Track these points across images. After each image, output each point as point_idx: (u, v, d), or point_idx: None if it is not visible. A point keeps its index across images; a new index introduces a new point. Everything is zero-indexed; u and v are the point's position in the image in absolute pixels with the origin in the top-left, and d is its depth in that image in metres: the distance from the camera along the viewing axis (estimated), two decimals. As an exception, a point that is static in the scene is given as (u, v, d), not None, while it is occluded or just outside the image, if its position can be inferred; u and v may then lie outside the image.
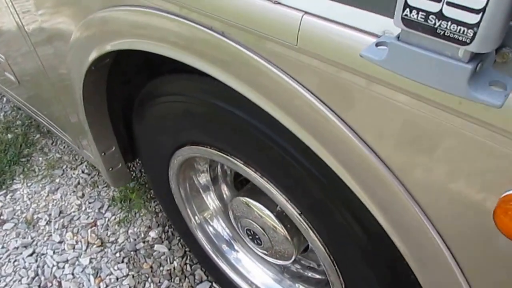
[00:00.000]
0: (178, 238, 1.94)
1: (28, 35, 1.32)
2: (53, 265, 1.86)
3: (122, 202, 2.11)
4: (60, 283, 1.80)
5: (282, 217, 1.27)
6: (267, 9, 0.60)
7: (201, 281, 1.80)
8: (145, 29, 0.89)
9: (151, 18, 0.85)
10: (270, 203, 1.28)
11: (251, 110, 0.93)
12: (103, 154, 1.54)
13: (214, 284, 1.78)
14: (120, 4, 0.90)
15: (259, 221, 1.32)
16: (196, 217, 1.50)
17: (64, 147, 2.43)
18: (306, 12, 0.56)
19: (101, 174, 2.06)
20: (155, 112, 1.27)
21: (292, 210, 1.07)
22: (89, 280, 1.80)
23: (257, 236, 1.36)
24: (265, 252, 1.38)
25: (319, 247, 1.07)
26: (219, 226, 1.53)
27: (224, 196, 1.54)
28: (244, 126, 0.97)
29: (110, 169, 1.60)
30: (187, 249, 1.90)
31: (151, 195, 2.14)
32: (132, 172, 2.25)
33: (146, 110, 1.30)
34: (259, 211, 1.30)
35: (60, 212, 2.08)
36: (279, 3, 0.58)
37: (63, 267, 1.85)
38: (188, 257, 1.87)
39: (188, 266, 1.85)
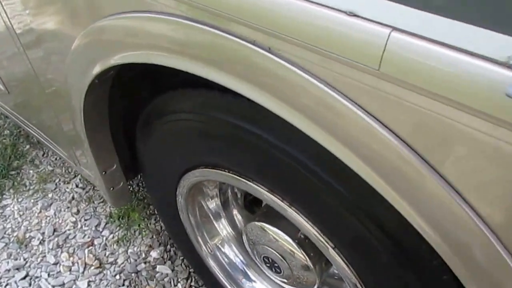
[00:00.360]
0: (182, 258, 1.81)
1: (19, 37, 1.18)
2: (48, 290, 1.71)
3: (120, 219, 1.96)
4: (55, 310, 1.65)
5: (305, 244, 1.15)
6: (338, 22, 0.47)
7: (208, 305, 1.66)
8: (167, 41, 0.76)
9: (175, 28, 0.71)
10: (290, 228, 1.16)
11: (290, 138, 0.81)
12: (104, 173, 1.39)
13: (221, 308, 1.65)
14: (138, 10, 0.76)
15: (278, 248, 1.19)
16: (208, 244, 1.37)
17: (56, 158, 2.27)
18: (394, 28, 0.44)
19: (100, 192, 1.91)
20: (164, 130, 1.13)
21: (324, 243, 0.94)
22: (87, 306, 1.66)
23: (275, 264, 1.24)
24: (285, 281, 1.26)
25: (352, 280, 0.95)
26: (231, 253, 1.40)
27: (237, 221, 1.41)
28: (278, 154, 0.84)
29: (111, 188, 1.45)
30: (191, 270, 1.76)
31: (151, 211, 1.99)
32: (129, 186, 2.10)
33: (154, 128, 1.16)
34: (278, 237, 1.18)
35: (54, 230, 1.93)
36: (355, 15, 0.45)
37: (59, 292, 1.70)
38: (193, 279, 1.74)
39: (193, 288, 1.71)
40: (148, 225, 1.94)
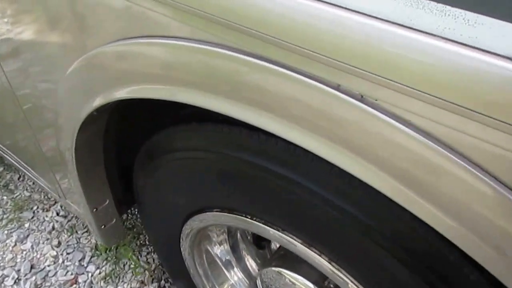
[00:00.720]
0: (178, 295, 1.62)
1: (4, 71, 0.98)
2: None
3: (108, 251, 1.75)
4: None
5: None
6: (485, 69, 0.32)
7: None
8: (191, 74, 0.59)
9: (202, 58, 0.54)
10: (314, 275, 1.00)
11: (331, 184, 0.66)
12: (94, 210, 1.20)
13: None
14: (156, 35, 0.59)
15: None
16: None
17: (33, 183, 2.04)
18: None
19: (91, 231, 1.71)
20: (172, 168, 0.96)
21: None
22: None
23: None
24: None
25: None
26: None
27: (249, 267, 1.24)
28: (316, 202, 0.68)
29: (103, 226, 1.26)
30: (189, 310, 1.57)
31: (142, 242, 1.80)
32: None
33: (159, 164, 0.98)
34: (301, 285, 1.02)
35: (32, 267, 1.70)
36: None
37: None
38: (192, 320, 1.55)
39: (192, 331, 1.52)
40: (139, 257, 1.74)
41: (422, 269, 0.65)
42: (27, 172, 1.51)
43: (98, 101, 0.76)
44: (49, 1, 0.74)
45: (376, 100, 0.42)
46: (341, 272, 0.79)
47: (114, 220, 1.29)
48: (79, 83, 0.79)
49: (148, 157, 1.01)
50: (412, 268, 0.66)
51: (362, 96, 0.43)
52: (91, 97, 0.78)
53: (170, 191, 1.02)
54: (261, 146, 0.74)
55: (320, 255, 0.80)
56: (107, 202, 1.22)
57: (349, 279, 0.78)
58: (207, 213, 0.98)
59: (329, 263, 0.80)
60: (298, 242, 0.82)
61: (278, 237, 0.85)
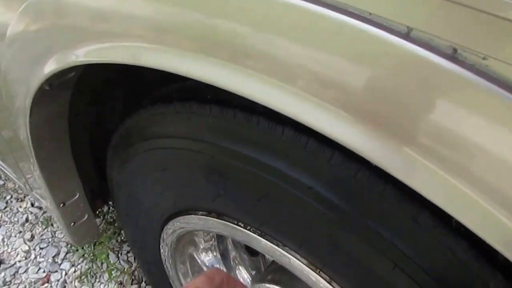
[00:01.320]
0: (160, 299, 1.42)
1: None
2: None
3: (85, 247, 1.55)
4: None
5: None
6: None
7: None
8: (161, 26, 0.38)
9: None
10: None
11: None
12: (61, 205, 1.00)
13: None
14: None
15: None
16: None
17: (9, 170, 1.83)
18: None
19: (60, 229, 1.50)
20: (148, 159, 0.75)
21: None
22: None
23: None
24: None
25: None
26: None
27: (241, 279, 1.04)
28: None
29: (72, 224, 1.06)
30: (171, 316, 1.37)
31: (123, 238, 1.59)
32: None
33: (134, 153, 0.78)
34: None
35: (1, 262, 1.50)
36: None
37: None
38: (174, 328, 1.35)
39: None
40: (119, 255, 1.53)
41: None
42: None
43: (48, 68, 0.56)
44: None
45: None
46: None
47: (86, 217, 1.08)
48: (22, 48, 0.58)
49: (122, 145, 0.81)
50: None
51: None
52: (39, 64, 0.57)
53: (148, 186, 0.82)
54: (261, 135, 0.54)
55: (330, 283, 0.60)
56: (77, 196, 1.02)
57: None
58: (191, 215, 0.78)
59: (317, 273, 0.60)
60: (303, 263, 0.62)
61: (276, 254, 0.65)
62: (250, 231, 0.66)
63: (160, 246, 0.92)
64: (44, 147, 0.82)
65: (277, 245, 0.63)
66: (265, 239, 0.65)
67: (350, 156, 0.48)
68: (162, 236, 0.89)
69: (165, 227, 0.87)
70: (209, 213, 0.73)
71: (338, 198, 0.50)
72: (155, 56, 0.41)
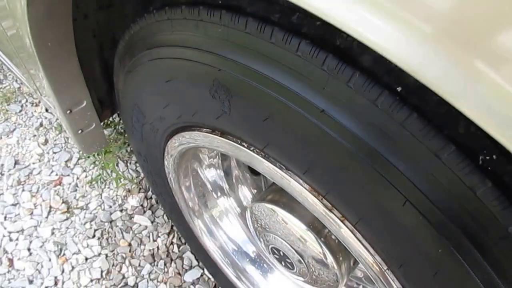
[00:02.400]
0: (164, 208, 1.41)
1: None
2: (4, 236, 1.30)
3: (96, 155, 1.52)
4: (11, 261, 1.25)
5: (333, 243, 0.76)
6: None
7: (191, 267, 1.30)
8: None
9: None
10: (310, 219, 0.77)
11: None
12: (68, 112, 0.93)
13: (205, 272, 1.29)
14: None
15: (294, 244, 0.80)
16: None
17: (24, 75, 1.75)
18: None
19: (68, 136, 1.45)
20: (155, 68, 0.67)
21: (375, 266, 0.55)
22: (49, 260, 1.26)
23: (288, 260, 0.85)
24: (301, 278, 0.88)
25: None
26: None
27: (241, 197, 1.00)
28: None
29: (80, 131, 1.00)
30: (173, 224, 1.38)
31: (132, 148, 1.56)
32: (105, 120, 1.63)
33: (140, 62, 0.69)
34: (298, 230, 0.78)
35: (16, 162, 1.47)
36: None
37: (17, 239, 1.30)
38: (176, 235, 1.36)
39: (175, 246, 1.34)
40: (128, 165, 1.51)
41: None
42: (4, 63, 1.22)
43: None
44: None
45: None
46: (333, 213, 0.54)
47: (94, 125, 1.02)
48: None
49: (126, 54, 0.72)
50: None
51: None
52: None
53: (153, 99, 0.74)
54: (274, 49, 0.46)
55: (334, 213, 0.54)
56: (84, 104, 0.95)
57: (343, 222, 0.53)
58: (196, 131, 0.71)
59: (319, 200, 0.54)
60: (306, 188, 0.56)
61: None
62: (254, 152, 0.60)
63: (164, 159, 0.87)
64: (47, 48, 0.74)
65: (280, 169, 0.56)
66: (269, 161, 0.59)
67: (372, 78, 0.40)
68: (166, 149, 0.84)
69: (169, 141, 0.81)
70: (213, 130, 0.67)
71: (353, 125, 0.43)
72: None
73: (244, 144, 0.61)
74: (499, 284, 0.39)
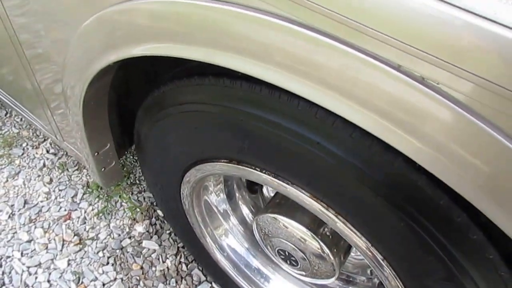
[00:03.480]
0: (169, 232, 1.64)
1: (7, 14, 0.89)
2: (23, 271, 1.48)
3: (99, 189, 1.73)
4: (34, 293, 1.44)
5: (328, 239, 1.02)
6: None
7: (200, 282, 1.53)
8: (225, 36, 0.55)
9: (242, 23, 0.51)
10: (309, 221, 1.03)
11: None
12: (96, 154, 1.16)
13: (213, 285, 1.52)
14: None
15: (296, 244, 1.06)
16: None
17: (21, 119, 1.95)
18: None
19: (89, 174, 1.66)
20: (180, 119, 0.92)
21: (371, 256, 0.82)
22: (70, 288, 1.46)
23: (292, 258, 1.11)
24: (302, 273, 1.14)
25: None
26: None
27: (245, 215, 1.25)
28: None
29: (103, 169, 1.23)
30: (180, 245, 1.60)
31: (132, 181, 1.78)
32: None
33: (167, 114, 0.95)
34: (298, 232, 1.04)
35: (25, 202, 1.67)
36: None
37: (36, 273, 1.48)
38: (182, 255, 1.58)
39: (183, 265, 1.56)
40: (131, 195, 1.73)
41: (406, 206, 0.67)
42: (17, 109, 1.43)
43: (113, 57, 0.71)
44: None
45: (399, 66, 0.41)
46: (346, 226, 0.81)
47: (114, 163, 1.25)
48: (95, 38, 0.72)
49: (156, 107, 0.97)
50: (397, 207, 0.67)
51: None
52: (106, 52, 0.72)
53: (173, 140, 0.99)
54: (281, 105, 0.72)
55: (327, 209, 0.81)
56: (107, 146, 1.18)
57: (337, 216, 0.80)
58: (215, 163, 0.96)
59: (336, 216, 0.81)
60: (307, 195, 0.82)
61: (288, 191, 0.85)
62: (266, 174, 0.86)
63: (181, 189, 1.11)
64: (90, 108, 0.98)
65: (287, 184, 0.83)
66: (277, 179, 0.85)
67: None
68: (184, 178, 1.08)
69: (188, 172, 1.06)
70: (230, 161, 0.92)
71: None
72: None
73: (257, 169, 0.87)
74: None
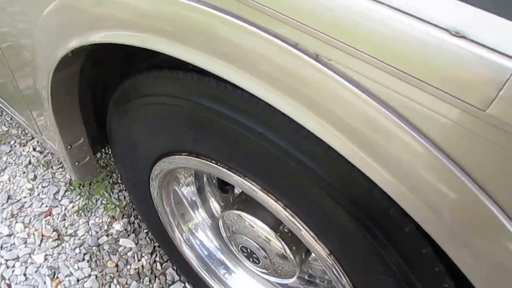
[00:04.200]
0: (146, 231, 1.67)
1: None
2: (1, 264, 1.52)
3: (81, 187, 1.78)
4: (9, 286, 1.48)
5: (288, 237, 1.05)
6: (435, 42, 0.34)
7: (173, 282, 1.55)
8: (164, 23, 0.59)
9: (177, 9, 0.55)
10: (271, 219, 1.06)
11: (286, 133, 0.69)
12: (69, 147, 1.21)
13: (186, 285, 1.54)
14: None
15: (258, 240, 1.09)
16: (183, 232, 1.24)
17: (11, 118, 2.01)
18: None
19: (66, 168, 1.71)
20: (145, 111, 0.97)
21: (319, 250, 0.85)
22: (44, 283, 1.49)
23: (254, 255, 1.14)
24: (264, 271, 1.16)
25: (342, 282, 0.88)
26: (206, 239, 1.28)
27: (213, 208, 1.28)
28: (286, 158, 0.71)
29: (77, 163, 1.28)
30: (156, 244, 1.63)
31: (114, 180, 1.82)
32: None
33: (133, 107, 0.99)
34: (259, 229, 1.07)
35: (8, 197, 1.72)
36: (463, 37, 0.33)
37: (13, 266, 1.52)
38: (158, 254, 1.61)
39: (158, 264, 1.59)
40: (111, 194, 1.77)
41: (365, 219, 0.70)
42: (5, 108, 1.49)
43: (73, 43, 0.76)
44: None
45: (329, 60, 0.44)
46: (294, 218, 0.84)
47: (88, 158, 1.30)
48: (56, 24, 0.78)
49: (122, 100, 1.02)
50: (356, 218, 0.70)
51: (317, 56, 0.45)
52: (67, 39, 0.77)
53: (142, 133, 1.04)
54: (227, 96, 0.76)
55: (276, 201, 0.84)
56: (81, 140, 1.23)
57: (301, 224, 0.83)
58: (176, 156, 1.00)
59: (284, 209, 0.84)
60: (258, 188, 0.86)
61: (240, 183, 0.89)
62: (220, 166, 0.89)
63: (150, 181, 1.15)
64: (59, 100, 1.03)
65: (239, 176, 0.86)
66: (232, 172, 0.88)
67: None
68: (152, 172, 1.12)
69: (154, 166, 1.10)
70: (189, 153, 0.96)
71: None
72: (159, 44, 0.62)
73: (213, 161, 0.91)
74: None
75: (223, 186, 1.33)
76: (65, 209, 1.70)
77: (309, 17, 0.44)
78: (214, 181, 1.29)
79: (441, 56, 0.34)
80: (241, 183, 0.88)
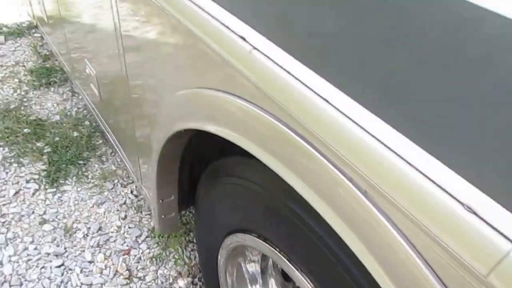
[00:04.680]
0: (205, 294, 1.77)
1: (122, 39, 1.21)
2: (77, 286, 1.72)
3: (160, 236, 1.96)
4: (77, 308, 1.65)
5: None
6: (451, 211, 0.43)
7: None
8: (260, 138, 0.74)
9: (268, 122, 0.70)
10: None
11: None
12: (161, 201, 1.39)
13: None
14: (236, 94, 0.75)
15: None
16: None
17: (120, 160, 2.32)
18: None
19: (152, 217, 1.93)
20: (227, 189, 1.11)
21: None
22: (105, 314, 1.65)
23: None
24: None
25: None
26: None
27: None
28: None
29: (163, 216, 1.45)
30: (210, 310, 1.72)
31: (190, 238, 1.98)
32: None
33: (219, 182, 1.15)
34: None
35: (99, 228, 1.95)
36: (474, 212, 0.41)
37: (85, 291, 1.71)
38: (210, 320, 1.69)
39: (207, 329, 1.66)
40: (184, 251, 1.92)
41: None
42: (118, 150, 1.76)
43: (191, 125, 0.95)
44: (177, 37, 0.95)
45: (365, 191, 0.55)
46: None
47: (173, 214, 1.47)
48: (183, 105, 0.98)
49: (212, 174, 1.18)
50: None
51: (365, 191, 0.55)
52: (187, 120, 0.96)
53: (223, 206, 1.18)
54: (305, 203, 0.87)
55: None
56: (172, 198, 1.41)
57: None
58: (247, 235, 1.12)
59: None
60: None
61: (299, 280, 0.96)
62: (285, 258, 0.98)
63: (220, 249, 1.27)
64: (165, 160, 1.22)
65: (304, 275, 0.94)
66: (294, 267, 0.97)
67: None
68: (223, 242, 1.25)
69: (227, 237, 1.22)
70: (259, 236, 1.07)
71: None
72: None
73: (277, 249, 1.01)
74: None
75: (287, 274, 1.39)
76: (142, 252, 1.88)
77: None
78: (278, 266, 1.37)
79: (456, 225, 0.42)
80: (300, 280, 0.96)
